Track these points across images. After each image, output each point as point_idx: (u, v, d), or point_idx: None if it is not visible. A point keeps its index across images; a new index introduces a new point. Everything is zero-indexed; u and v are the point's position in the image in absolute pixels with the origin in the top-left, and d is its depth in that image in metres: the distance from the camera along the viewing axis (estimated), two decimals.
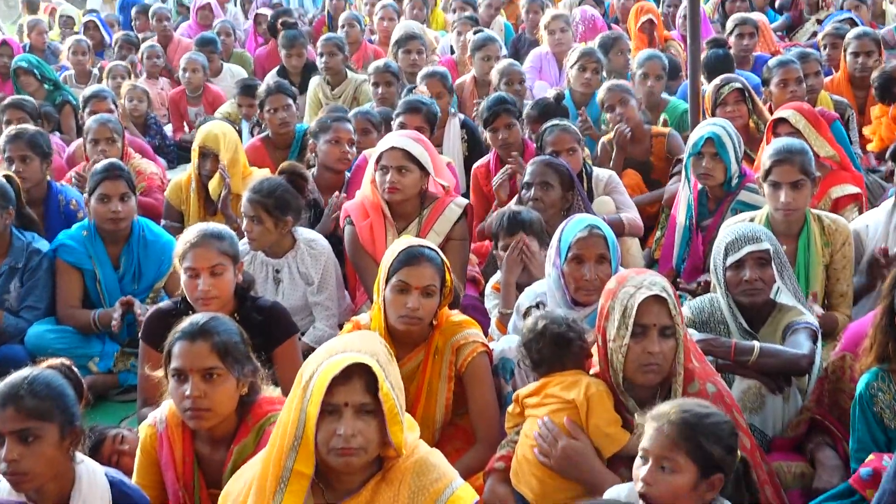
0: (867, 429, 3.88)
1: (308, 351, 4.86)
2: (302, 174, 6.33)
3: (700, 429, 3.07)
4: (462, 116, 8.04)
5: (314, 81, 9.74)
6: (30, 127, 7.23)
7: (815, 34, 10.64)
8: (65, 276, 6.24)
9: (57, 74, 10.78)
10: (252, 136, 8.57)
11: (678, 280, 5.80)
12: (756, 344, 4.36)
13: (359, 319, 4.68)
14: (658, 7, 12.03)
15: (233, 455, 3.71)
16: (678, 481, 3.10)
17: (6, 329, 6.04)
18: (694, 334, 4.10)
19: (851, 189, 6.07)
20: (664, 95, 8.13)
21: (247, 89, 9.19)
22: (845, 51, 8.30)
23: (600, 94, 7.35)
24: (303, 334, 5.59)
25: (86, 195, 6.35)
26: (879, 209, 5.58)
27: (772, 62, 7.62)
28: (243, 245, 5.58)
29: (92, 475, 3.48)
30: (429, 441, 3.76)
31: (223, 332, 3.74)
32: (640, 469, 3.18)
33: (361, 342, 3.20)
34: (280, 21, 11.93)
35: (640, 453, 3.20)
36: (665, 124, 7.65)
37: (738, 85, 7.16)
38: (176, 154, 9.57)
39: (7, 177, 6.30)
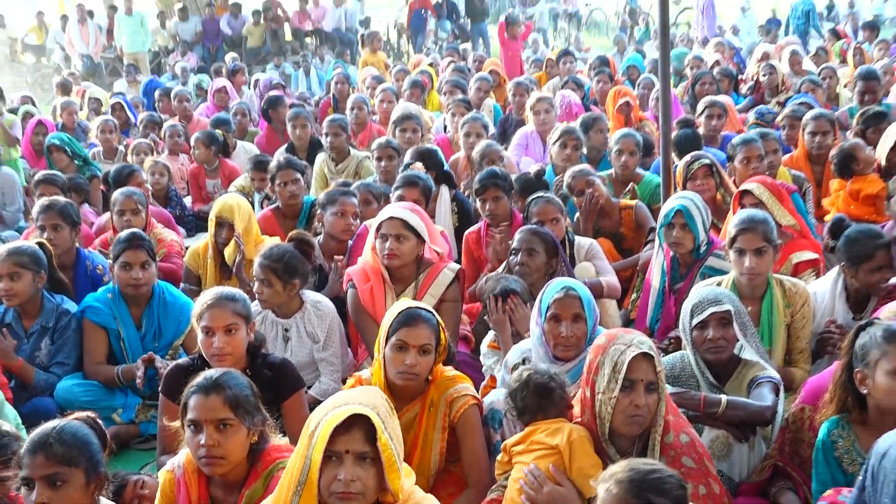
0: (829, 471, 3.91)
1: (314, 403, 4.84)
2: (309, 242, 6.37)
3: (646, 485, 2.98)
4: (453, 190, 8.05)
5: (320, 158, 9.77)
6: (60, 198, 7.25)
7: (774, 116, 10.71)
8: (91, 335, 6.24)
9: (86, 151, 10.82)
10: (263, 207, 8.59)
11: (652, 339, 5.79)
12: (723, 397, 4.38)
13: (360, 375, 4.70)
14: (633, 89, 12.14)
15: (244, 498, 3.72)
16: None
17: (37, 384, 6.04)
18: (667, 388, 4.10)
19: (810, 255, 6.08)
20: (639, 170, 8.16)
21: (259, 164, 9.23)
22: (803, 130, 8.35)
23: (567, 179, 7.35)
24: (309, 388, 5.61)
25: (110, 261, 6.36)
26: (825, 278, 5.60)
27: (735, 140, 7.66)
28: (255, 306, 5.59)
29: None
30: (424, 486, 3.76)
31: (235, 387, 3.75)
32: None
33: (363, 396, 3.21)
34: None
35: None
36: (633, 196, 7.70)
37: (706, 161, 7.20)
38: (194, 223, 9.60)
39: (40, 244, 6.33)
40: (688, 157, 7.35)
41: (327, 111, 13.08)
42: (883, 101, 9.96)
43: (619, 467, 3.10)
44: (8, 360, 5.91)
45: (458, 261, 7.01)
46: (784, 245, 5.96)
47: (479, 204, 7.02)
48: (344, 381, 5.35)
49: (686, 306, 4.68)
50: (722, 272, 5.64)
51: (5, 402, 5.14)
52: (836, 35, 18.37)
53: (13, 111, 13.50)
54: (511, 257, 5.84)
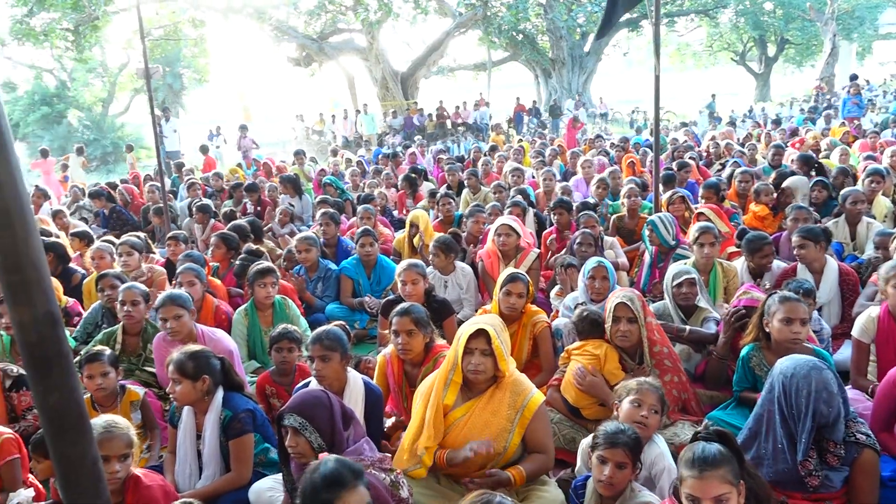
0: (744, 374, 3.67)
1: (459, 322, 4.84)
2: (459, 234, 6.39)
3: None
4: (534, 210, 7.92)
5: (465, 191, 9.68)
6: (331, 209, 7.32)
7: (720, 169, 10.26)
8: (345, 282, 6.28)
9: (343, 185, 10.98)
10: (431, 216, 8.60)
11: (646, 294, 5.62)
12: (687, 327, 4.21)
13: (485, 307, 4.62)
14: (637, 154, 11.81)
15: (421, 372, 3.69)
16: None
17: (317, 306, 6.11)
18: (656, 321, 3.93)
19: (735, 249, 5.83)
20: (641, 199, 7.88)
21: (432, 194, 9.22)
22: (734, 179, 7.96)
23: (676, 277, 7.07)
24: (457, 313, 5.57)
25: (356, 244, 6.40)
26: (740, 262, 5.24)
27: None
28: (430, 270, 5.60)
29: (355, 378, 3.49)
30: (517, 369, 3.71)
31: (416, 311, 3.72)
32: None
33: (487, 319, 3.16)
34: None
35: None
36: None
37: (681, 194, 6.91)
38: (398, 225, 9.61)
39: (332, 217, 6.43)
40: (669, 192, 7.05)
41: (469, 166, 13.06)
42: (784, 164, 9.43)
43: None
44: (302, 293, 6.02)
45: (538, 248, 6.91)
46: (723, 242, 5.72)
47: (552, 217, 6.89)
48: (476, 311, 5.32)
49: (668, 274, 4.49)
50: (685, 257, 5.40)
51: (300, 315, 5.22)
52: (757, 125, 17.74)
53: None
54: (575, 246, 5.73)
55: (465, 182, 9.76)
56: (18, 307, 1.08)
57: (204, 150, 16.44)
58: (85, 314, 5.25)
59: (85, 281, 6.16)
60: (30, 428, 3.79)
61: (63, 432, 1.17)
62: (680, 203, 6.86)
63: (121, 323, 4.63)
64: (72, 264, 6.57)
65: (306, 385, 3.50)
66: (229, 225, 7.30)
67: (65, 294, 6.13)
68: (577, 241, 5.74)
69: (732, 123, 19.11)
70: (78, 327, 5.14)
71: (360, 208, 7.83)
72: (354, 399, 3.39)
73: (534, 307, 4.49)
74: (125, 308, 4.51)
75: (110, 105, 32.49)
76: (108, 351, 3.82)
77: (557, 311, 5.08)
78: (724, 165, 10.50)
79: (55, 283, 5.92)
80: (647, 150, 11.69)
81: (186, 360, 3.27)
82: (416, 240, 6.94)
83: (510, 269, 4.54)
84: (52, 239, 6.83)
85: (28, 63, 29.31)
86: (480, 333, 3.05)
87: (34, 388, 1.14)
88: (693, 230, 5.15)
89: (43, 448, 3.16)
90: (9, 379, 3.88)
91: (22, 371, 3.96)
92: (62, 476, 1.20)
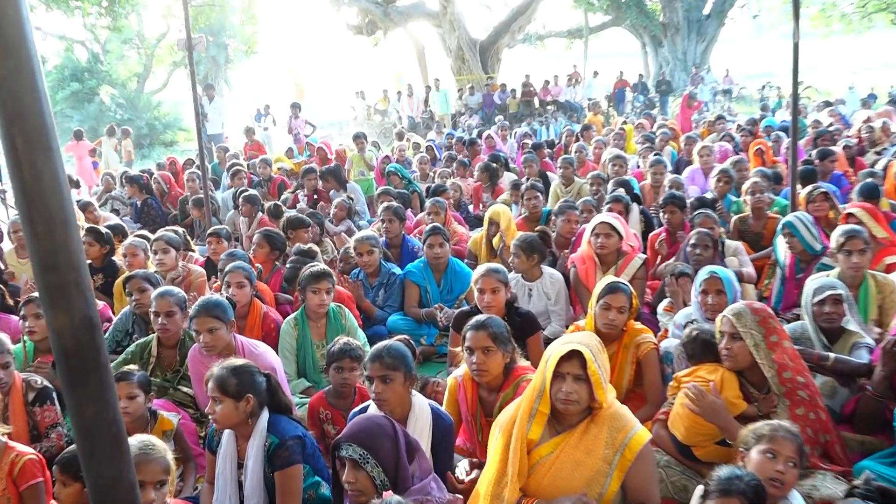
0: None
1: (546, 340, 4.83)
2: (547, 232, 6.52)
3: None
4: (640, 206, 7.82)
5: (554, 182, 9.74)
6: (395, 203, 7.37)
7: (876, 160, 9.85)
8: (409, 288, 6.37)
9: (410, 175, 11.11)
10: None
11: (780, 313, 5.46)
12: (832, 354, 4.05)
13: (578, 323, 4.62)
14: (767, 139, 11.47)
15: (500, 398, 3.70)
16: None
17: (376, 317, 6.24)
18: (793, 345, 3.82)
19: None
20: (772, 195, 7.64)
21: (515, 186, 9.26)
22: (889, 171, 7.63)
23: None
24: (543, 329, 5.55)
25: (423, 244, 6.48)
26: None
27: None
28: (511, 275, 5.61)
29: (421, 403, 3.53)
30: (618, 400, 3.67)
31: (495, 326, 3.74)
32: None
33: (582, 337, 3.14)
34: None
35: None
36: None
37: (823, 189, 6.69)
38: (474, 222, 9.66)
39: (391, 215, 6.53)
40: (810, 187, 6.83)
41: (560, 153, 13.02)
42: None
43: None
44: (360, 302, 6.14)
45: (644, 253, 6.82)
46: (878, 251, 5.51)
47: (661, 215, 6.80)
48: (566, 327, 5.30)
49: (808, 288, 4.33)
50: (831, 268, 5.22)
51: (358, 327, 5.31)
52: None
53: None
54: (689, 249, 5.63)
55: (556, 171, 9.73)
56: (55, 311, 1.16)
57: (250, 132, 16.95)
58: (115, 319, 5.49)
59: (116, 281, 6.43)
60: (53, 448, 3.98)
61: (99, 450, 1.24)
62: (822, 201, 6.63)
63: (155, 333, 4.81)
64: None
65: (364, 410, 3.56)
66: (289, 215, 7.50)
67: (99, 291, 6.45)
68: (692, 244, 5.64)
69: (893, 102, 18.32)
70: (107, 334, 5.36)
71: (428, 202, 7.93)
72: (420, 428, 3.42)
73: (638, 324, 4.43)
74: (160, 320, 4.66)
75: (146, 81, 33.84)
76: (139, 372, 3.99)
77: (666, 331, 4.99)
78: (880, 154, 10.10)
79: (117, 286, 6.25)
80: (782, 134, 11.36)
81: (229, 376, 3.37)
82: (495, 240, 6.96)
83: (609, 278, 4.49)
84: (94, 225, 7.16)
85: (58, 33, 30.89)
86: (573, 355, 3.03)
87: (69, 400, 1.21)
88: (836, 234, 4.98)
89: (72, 469, 3.29)
90: (32, 391, 4.09)
91: (47, 383, 4.18)
92: (96, 499, 1.26)
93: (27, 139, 1.12)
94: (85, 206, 9.24)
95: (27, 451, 3.39)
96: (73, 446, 3.12)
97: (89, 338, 1.18)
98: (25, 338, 4.86)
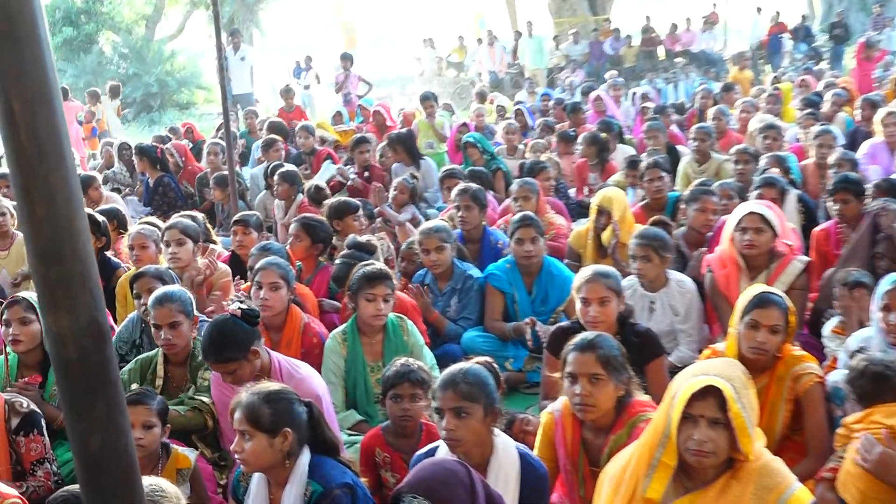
0: None
1: (673, 369, 4.78)
2: (669, 224, 6.51)
3: None
4: (798, 192, 7.66)
5: (684, 159, 9.63)
6: (472, 185, 7.33)
7: None
8: (491, 296, 6.40)
9: (493, 148, 11.14)
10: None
11: None
12: None
13: (716, 347, 4.56)
14: None
15: (610, 442, 3.70)
16: None
17: (448, 333, 6.30)
18: None
19: None
20: None
21: (632, 163, 9.21)
22: None
23: None
24: (668, 354, 5.49)
25: (509, 238, 6.48)
26: None
27: None
28: (626, 281, 5.56)
29: (506, 446, 3.54)
30: (768, 449, 3.61)
31: (606, 347, 3.74)
32: None
33: (722, 367, 3.11)
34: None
35: None
36: None
37: None
38: (577, 210, 9.63)
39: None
40: None
41: (692, 120, 12.86)
42: None
43: None
44: (427, 313, 6.19)
45: (806, 254, 6.68)
46: None
47: (831, 205, 6.64)
48: (699, 352, 5.24)
49: None
50: None
51: (424, 346, 5.36)
52: None
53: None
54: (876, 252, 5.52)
55: (689, 145, 9.60)
56: (56, 313, 1.20)
57: (287, 92, 17.18)
58: (118, 328, 5.64)
59: (119, 280, 6.56)
60: (41, 489, 4.09)
61: (105, 491, 1.27)
62: None
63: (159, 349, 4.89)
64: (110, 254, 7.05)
65: (432, 453, 3.59)
66: (331, 201, 7.57)
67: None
68: (878, 244, 5.51)
69: None
70: None
71: (516, 184, 7.91)
72: (504, 478, 3.44)
73: (796, 349, 4.36)
74: (161, 334, 4.71)
75: (157, 25, 34.55)
76: (158, 396, 4.10)
77: (835, 359, 4.89)
78: None
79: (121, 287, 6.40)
80: None
81: (261, 404, 3.41)
82: (605, 235, 6.91)
83: (759, 287, 4.42)
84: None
85: None
86: (709, 392, 3.00)
87: (70, 425, 1.25)
88: None
89: None
90: (16, 416, 4.20)
91: (34, 407, 4.31)
92: None
93: (24, 94, 1.15)
94: (87, 183, 9.17)
95: (10, 492, 3.45)
96: (65, 489, 3.19)
97: (97, 347, 1.21)
98: (8, 348, 4.95)
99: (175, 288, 5.01)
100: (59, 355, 1.23)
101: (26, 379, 4.81)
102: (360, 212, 7.56)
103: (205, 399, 4.70)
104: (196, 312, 5.04)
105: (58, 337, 1.22)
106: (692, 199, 6.92)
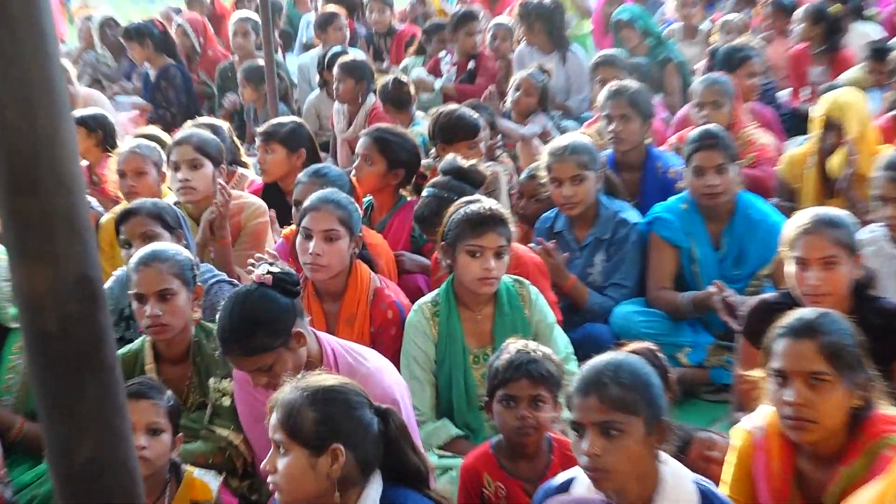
0: None
1: None
2: None
3: None
4: None
5: None
6: (630, 84, 7.31)
7: None
8: (658, 252, 6.36)
9: (659, 29, 11.00)
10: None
11: None
12: None
13: None
14: None
15: (839, 477, 3.64)
16: None
17: (591, 307, 6.26)
18: None
19: None
20: None
21: (879, 53, 8.96)
22: None
23: None
24: None
25: (685, 165, 6.38)
26: None
27: None
28: (866, 233, 5.52)
29: (679, 479, 3.50)
30: None
31: (835, 332, 3.67)
32: None
33: None
34: None
35: None
36: None
37: None
38: (792, 123, 9.46)
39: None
40: None
41: None
42: None
43: None
44: (559, 277, 6.16)
45: None
46: None
47: None
48: None
49: None
50: None
51: (555, 324, 5.35)
52: None
53: None
54: None
55: None
56: (30, 264, 1.20)
57: None
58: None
59: (101, 222, 6.68)
60: None
61: None
62: None
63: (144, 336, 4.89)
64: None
65: (566, 487, 3.63)
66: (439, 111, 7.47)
67: None
68: None
69: None
70: None
71: (698, 83, 7.83)
72: None
73: None
74: (146, 309, 4.62)
75: None
76: (168, 391, 4.18)
77: None
78: None
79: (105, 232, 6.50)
80: None
81: (305, 404, 3.44)
82: (835, 161, 6.84)
83: None
84: None
85: None
86: None
87: (48, 427, 1.27)
88: None
89: None
90: None
91: None
92: None
93: None
94: None
95: None
96: None
97: (88, 315, 1.22)
98: None
99: (168, 245, 4.94)
100: (33, 327, 1.23)
101: None
102: (484, 133, 7.44)
103: (226, 433, 4.68)
104: (218, 275, 5.09)
105: (31, 300, 1.22)
106: None
